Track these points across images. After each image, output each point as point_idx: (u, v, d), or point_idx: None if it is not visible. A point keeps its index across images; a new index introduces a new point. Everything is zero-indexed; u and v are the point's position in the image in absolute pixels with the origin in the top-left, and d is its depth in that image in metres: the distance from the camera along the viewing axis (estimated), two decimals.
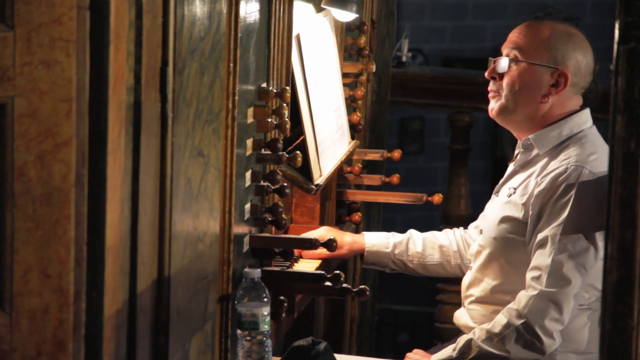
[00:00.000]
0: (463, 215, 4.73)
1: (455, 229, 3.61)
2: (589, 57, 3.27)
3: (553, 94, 3.23)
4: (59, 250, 1.94)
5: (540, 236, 3.13)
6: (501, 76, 3.26)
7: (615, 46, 1.85)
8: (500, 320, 3.14)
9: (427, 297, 5.91)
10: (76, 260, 1.95)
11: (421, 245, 3.53)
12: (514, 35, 3.28)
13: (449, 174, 4.94)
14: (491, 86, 3.30)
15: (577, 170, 3.13)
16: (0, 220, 1.94)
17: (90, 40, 1.93)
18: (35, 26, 1.90)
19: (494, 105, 3.28)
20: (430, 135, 8.89)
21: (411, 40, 5.17)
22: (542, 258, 3.11)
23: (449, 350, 3.22)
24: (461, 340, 3.21)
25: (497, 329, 3.14)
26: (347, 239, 3.50)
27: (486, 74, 3.30)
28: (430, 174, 8.78)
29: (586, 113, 3.29)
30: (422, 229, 3.68)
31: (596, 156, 3.17)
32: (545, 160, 3.23)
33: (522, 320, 3.10)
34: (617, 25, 1.85)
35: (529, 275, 3.14)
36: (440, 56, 8.94)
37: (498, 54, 3.33)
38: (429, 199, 3.85)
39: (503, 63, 3.25)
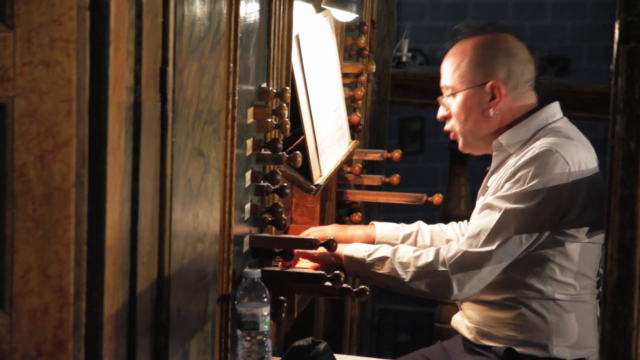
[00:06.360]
0: (463, 215, 4.73)
1: (461, 222, 3.63)
2: (519, 53, 3.32)
3: (494, 106, 3.31)
4: (59, 250, 1.94)
5: (491, 199, 3.19)
6: (450, 114, 3.39)
7: (615, 46, 1.85)
8: (427, 257, 3.19)
9: None
10: (76, 260, 1.95)
11: (429, 238, 3.57)
12: (442, 74, 3.40)
13: (448, 174, 4.94)
14: (446, 126, 3.43)
15: (545, 152, 3.16)
16: (0, 220, 1.94)
17: (90, 40, 1.93)
18: (35, 26, 1.90)
19: (459, 145, 3.43)
20: (430, 135, 8.89)
21: (411, 40, 5.18)
22: (486, 219, 3.17)
23: (364, 251, 3.26)
24: (381, 251, 3.25)
25: (418, 263, 3.19)
26: (358, 233, 3.53)
27: (437, 117, 3.44)
28: (430, 174, 8.77)
29: (554, 107, 3.34)
30: None
31: (566, 141, 3.19)
32: (515, 156, 3.27)
33: (444, 269, 3.16)
34: (617, 25, 1.85)
35: (469, 230, 3.21)
36: (440, 56, 8.93)
37: None
38: (429, 199, 3.86)
39: (443, 103, 3.41)
